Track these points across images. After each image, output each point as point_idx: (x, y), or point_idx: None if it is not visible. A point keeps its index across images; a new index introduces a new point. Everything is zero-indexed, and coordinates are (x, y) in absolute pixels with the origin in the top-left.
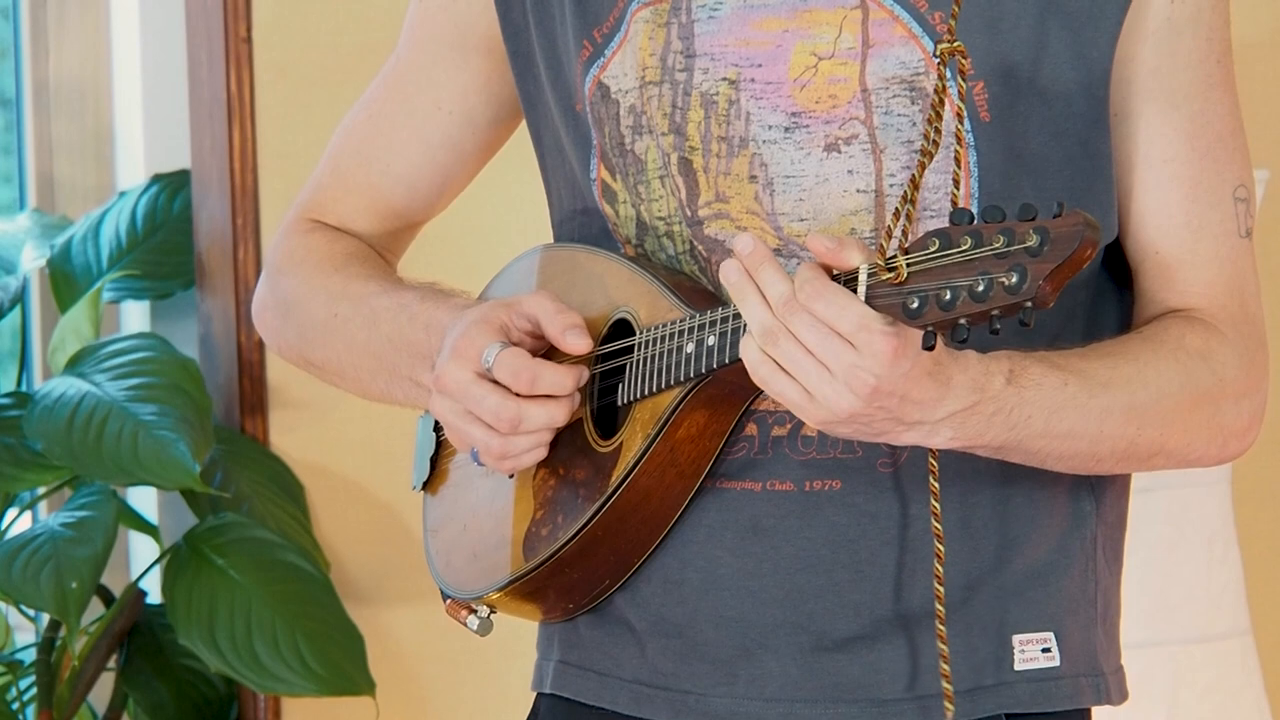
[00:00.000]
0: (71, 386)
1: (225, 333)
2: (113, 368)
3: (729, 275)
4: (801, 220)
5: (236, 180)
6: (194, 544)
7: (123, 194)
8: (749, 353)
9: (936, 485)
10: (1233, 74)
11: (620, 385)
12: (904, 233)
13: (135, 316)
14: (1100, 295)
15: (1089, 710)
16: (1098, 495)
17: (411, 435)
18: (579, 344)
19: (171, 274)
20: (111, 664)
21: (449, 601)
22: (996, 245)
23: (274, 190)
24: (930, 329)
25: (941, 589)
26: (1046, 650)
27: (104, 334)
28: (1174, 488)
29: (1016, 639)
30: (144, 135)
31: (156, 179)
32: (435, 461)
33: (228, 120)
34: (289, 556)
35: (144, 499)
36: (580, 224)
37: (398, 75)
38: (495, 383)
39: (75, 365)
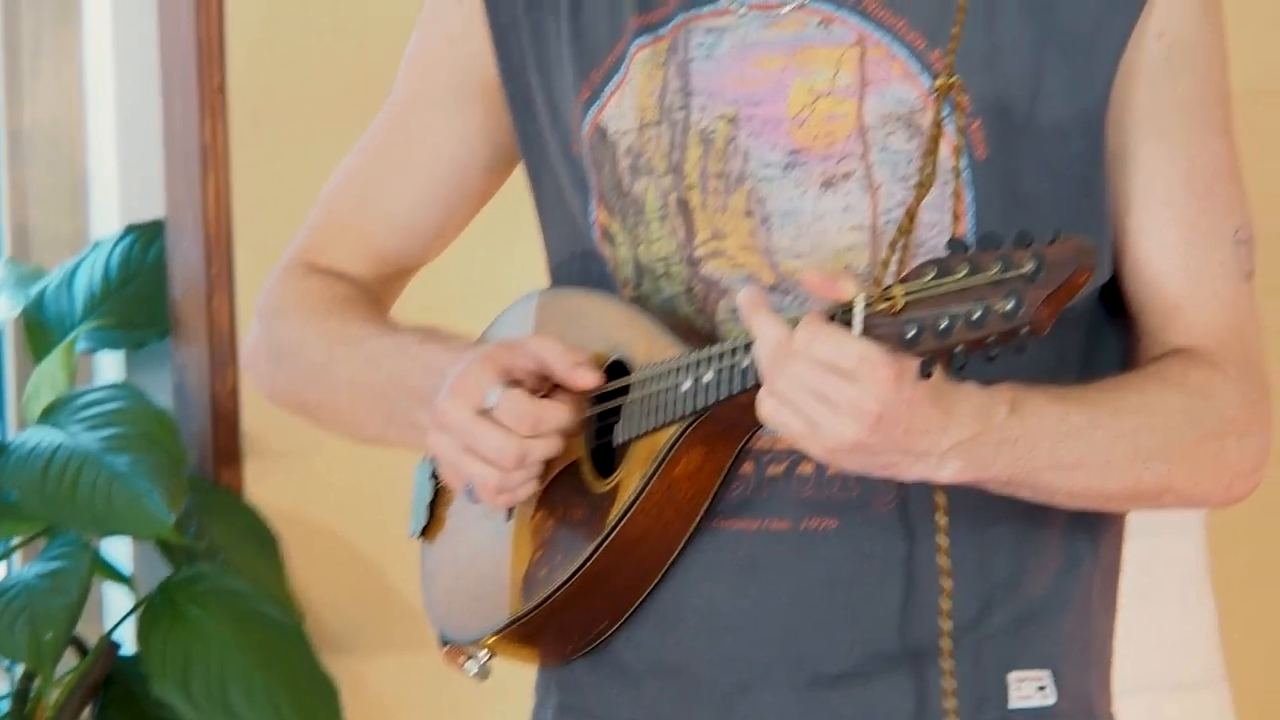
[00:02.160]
0: (46, 437)
1: (200, 382)
2: (87, 418)
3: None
4: (798, 256)
5: (211, 230)
6: (169, 595)
7: (97, 243)
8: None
9: (944, 521)
10: (1230, 116)
11: (617, 425)
12: (899, 264)
13: (110, 366)
14: (1096, 333)
15: None
16: (1094, 537)
17: (388, 484)
18: (587, 379)
19: (146, 324)
20: (86, 715)
21: (447, 647)
22: (992, 272)
23: (249, 240)
24: (927, 357)
25: (948, 625)
26: (1042, 689)
27: (78, 384)
28: (1147, 535)
29: (1012, 676)
30: (118, 184)
31: (131, 228)
32: (433, 508)
33: (202, 170)
34: (263, 607)
35: (118, 549)
36: (580, 267)
37: (394, 120)
38: (496, 421)
39: (50, 415)
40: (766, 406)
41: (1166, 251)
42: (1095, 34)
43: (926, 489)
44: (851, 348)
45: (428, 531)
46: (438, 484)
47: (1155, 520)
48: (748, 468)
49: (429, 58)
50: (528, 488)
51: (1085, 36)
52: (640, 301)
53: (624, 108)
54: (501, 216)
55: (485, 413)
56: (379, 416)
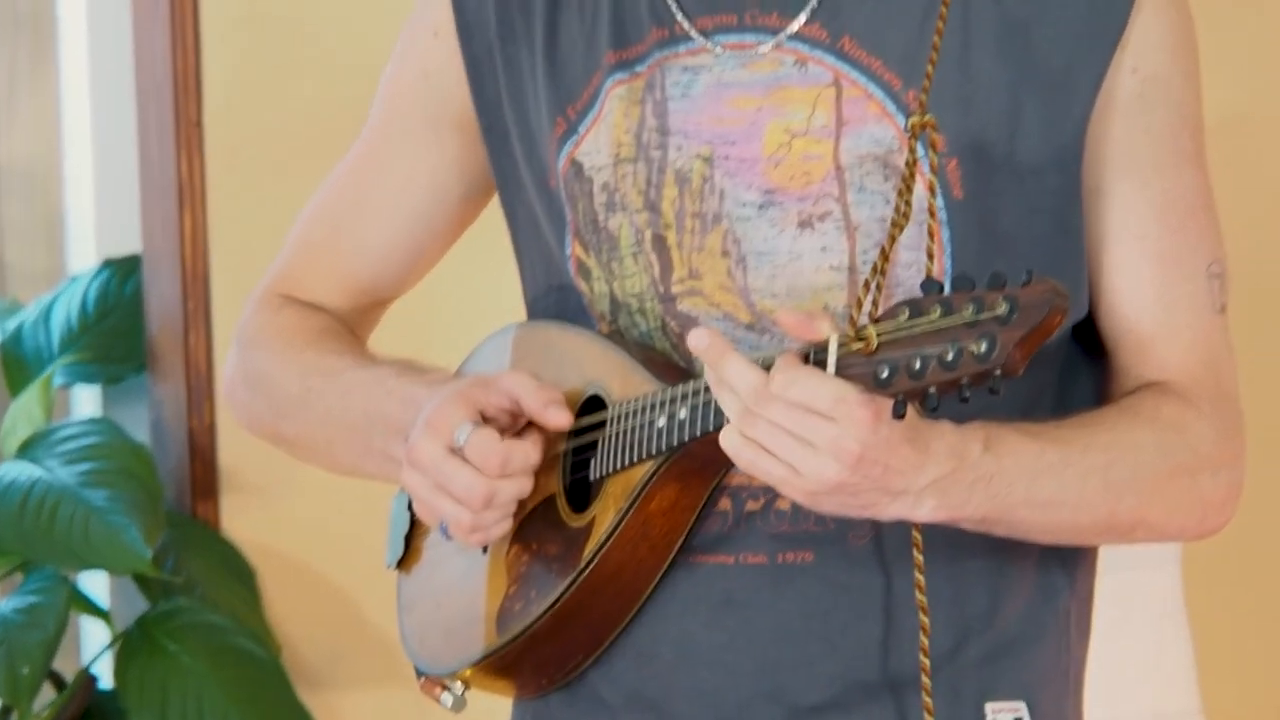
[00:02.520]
0: (23, 472)
1: (177, 417)
2: (64, 453)
3: (708, 371)
4: (774, 296)
5: (188, 264)
6: (146, 629)
7: (74, 278)
8: (729, 440)
9: (920, 557)
10: (1204, 149)
11: (593, 460)
12: (874, 304)
13: (87, 401)
14: (1070, 370)
15: None
16: (1069, 568)
17: (364, 519)
18: (560, 418)
19: (123, 358)
20: None
21: (423, 679)
22: (966, 314)
23: (225, 274)
24: (901, 398)
25: (928, 661)
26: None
27: (55, 419)
28: (1123, 569)
29: (989, 707)
30: (95, 219)
31: (108, 263)
32: (409, 540)
33: (179, 204)
34: (241, 641)
35: (96, 584)
36: (555, 300)
37: (369, 151)
38: (466, 459)
39: (26, 450)
40: (746, 454)
41: (1140, 286)
42: (1070, 71)
43: (901, 522)
44: (828, 389)
45: (404, 563)
46: (414, 516)
47: (1131, 554)
48: (725, 503)
49: (403, 90)
50: (501, 526)
51: (1060, 73)
52: (616, 335)
53: (600, 143)
54: (480, 247)
55: (456, 451)
56: (355, 449)
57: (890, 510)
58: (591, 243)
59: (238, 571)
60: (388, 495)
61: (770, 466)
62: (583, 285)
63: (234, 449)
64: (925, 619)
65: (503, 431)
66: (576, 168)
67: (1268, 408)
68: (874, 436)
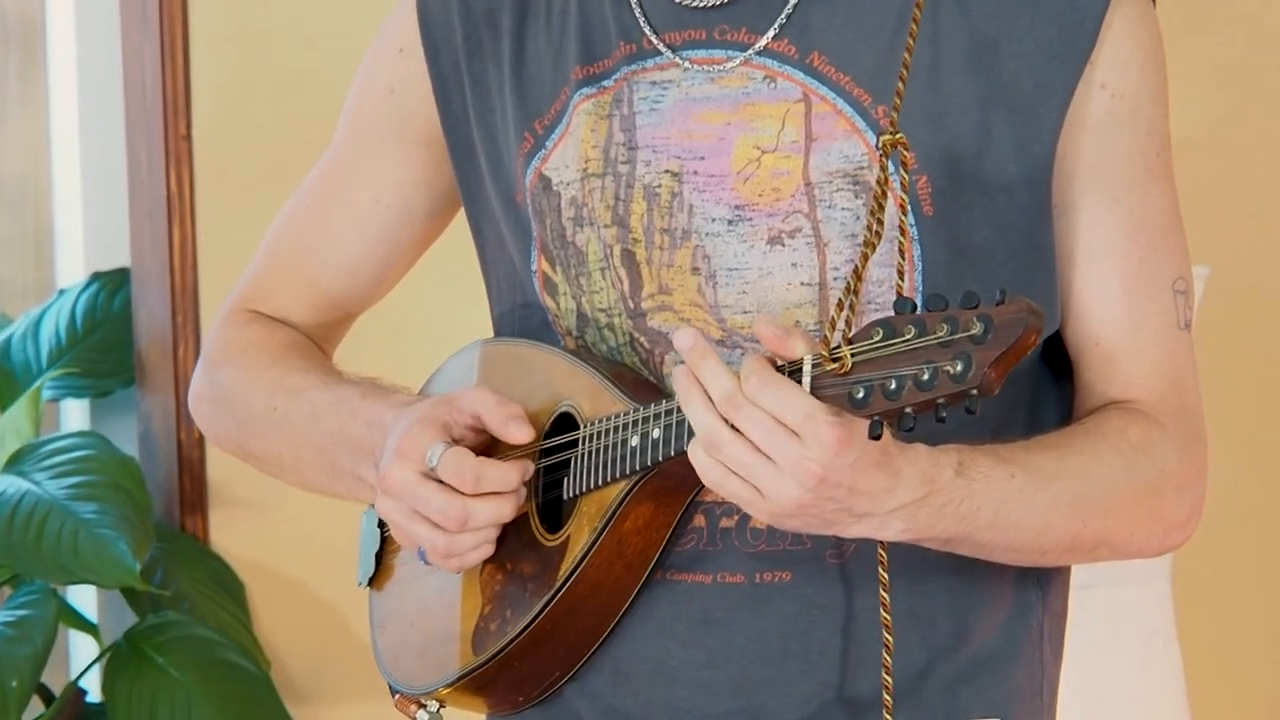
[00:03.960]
0: (11, 485)
1: (165, 430)
2: (53, 466)
3: (678, 381)
4: (745, 313)
5: (176, 278)
6: (134, 643)
7: (62, 292)
8: (697, 457)
9: (885, 576)
10: (1171, 167)
11: (565, 479)
12: (847, 324)
13: (75, 414)
14: (1041, 386)
15: None
16: (1043, 585)
17: (352, 533)
18: (521, 434)
19: (111, 372)
20: None
21: (397, 697)
22: (940, 334)
23: (214, 288)
24: (876, 419)
25: (890, 679)
26: None
27: (44, 432)
28: (1113, 585)
29: None
30: (84, 233)
31: (96, 277)
32: (380, 557)
33: (168, 218)
34: (229, 655)
35: (84, 597)
36: (521, 317)
37: (335, 166)
38: (440, 482)
39: (15, 464)
40: (713, 473)
41: (1108, 302)
42: (1040, 88)
43: (875, 541)
44: (799, 403)
45: (375, 580)
46: (384, 533)
47: (1121, 570)
48: (700, 520)
49: (369, 105)
50: (479, 552)
51: (1030, 91)
52: (584, 351)
53: (567, 158)
54: (448, 262)
55: (429, 474)
56: (324, 470)
57: (855, 529)
58: (559, 258)
59: (226, 585)
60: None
61: (736, 488)
62: (548, 301)
63: (223, 463)
64: (889, 637)
65: (474, 449)
66: (544, 182)
67: (1249, 425)
68: (838, 460)
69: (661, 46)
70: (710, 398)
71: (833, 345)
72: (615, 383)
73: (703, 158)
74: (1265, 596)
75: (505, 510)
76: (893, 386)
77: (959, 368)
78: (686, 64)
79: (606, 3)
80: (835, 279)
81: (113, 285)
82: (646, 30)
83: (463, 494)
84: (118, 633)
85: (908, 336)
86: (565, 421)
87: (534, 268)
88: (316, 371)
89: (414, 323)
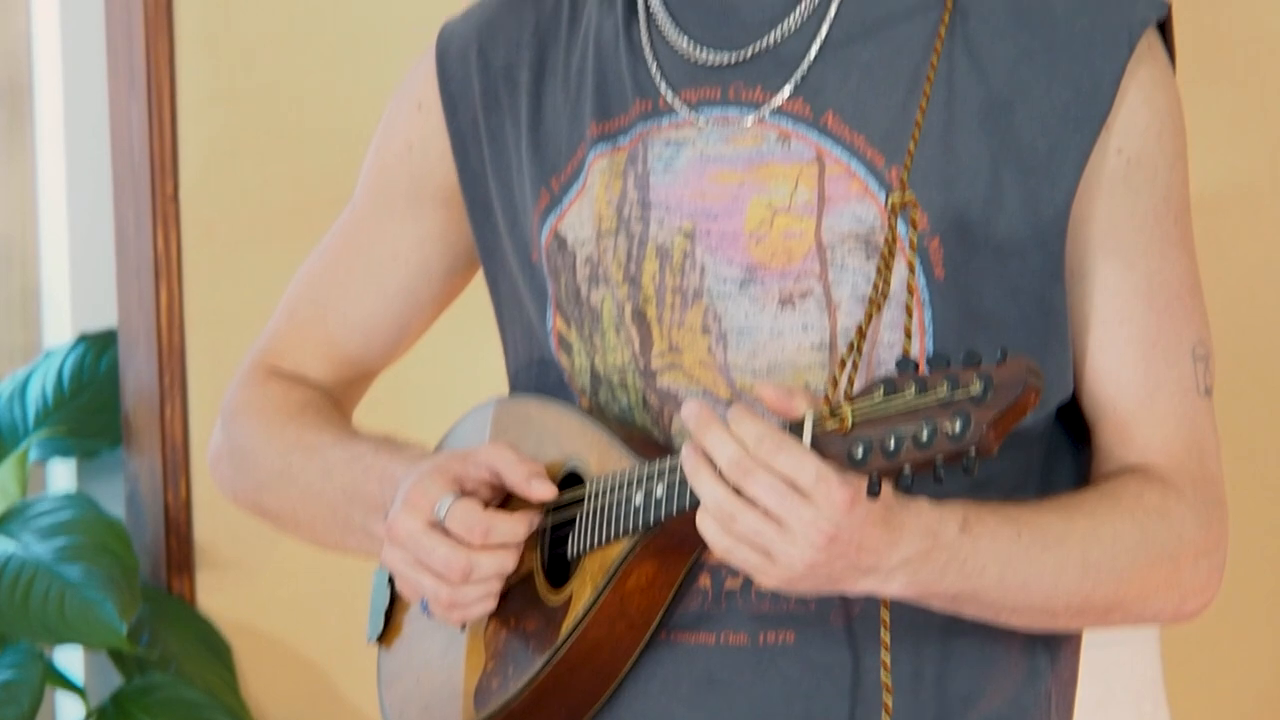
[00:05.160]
0: None
1: (152, 492)
2: (40, 527)
3: (685, 457)
4: (754, 374)
5: (164, 340)
6: (121, 705)
7: (49, 353)
8: (706, 527)
9: (887, 637)
10: (1190, 231)
11: (570, 536)
12: (850, 381)
13: (62, 475)
14: (1055, 452)
15: None
16: (1052, 651)
17: (339, 594)
18: (543, 490)
19: (98, 433)
20: None
21: None
22: (940, 393)
23: (201, 350)
24: (875, 477)
25: None
26: None
27: (31, 493)
28: (1102, 646)
29: None
30: (71, 294)
31: (83, 338)
32: (390, 615)
33: (155, 279)
34: (216, 717)
35: (71, 659)
36: (537, 374)
37: (354, 224)
38: (447, 533)
39: (2, 525)
40: (722, 542)
41: (1124, 368)
42: (1054, 151)
43: (879, 602)
44: (811, 465)
45: (384, 638)
46: (394, 591)
47: (1109, 631)
48: (705, 581)
49: (388, 162)
50: (482, 605)
51: (1044, 154)
52: (596, 411)
53: (583, 216)
54: (464, 319)
55: (436, 525)
56: (336, 525)
57: (861, 585)
58: (573, 316)
59: (214, 647)
60: (365, 572)
61: (746, 555)
62: (564, 359)
63: (210, 524)
64: (889, 699)
65: (485, 504)
66: (560, 240)
67: (1239, 490)
68: (849, 519)
69: (677, 104)
70: (718, 468)
71: (834, 402)
72: (623, 441)
73: (716, 217)
74: (1252, 658)
75: (509, 563)
76: (891, 445)
77: (958, 427)
78: (701, 122)
79: (623, 60)
80: (845, 342)
81: (99, 346)
82: (662, 88)
83: (469, 546)
84: (104, 695)
85: (908, 395)
86: (573, 479)
87: (549, 326)
88: (332, 429)
89: (431, 379)
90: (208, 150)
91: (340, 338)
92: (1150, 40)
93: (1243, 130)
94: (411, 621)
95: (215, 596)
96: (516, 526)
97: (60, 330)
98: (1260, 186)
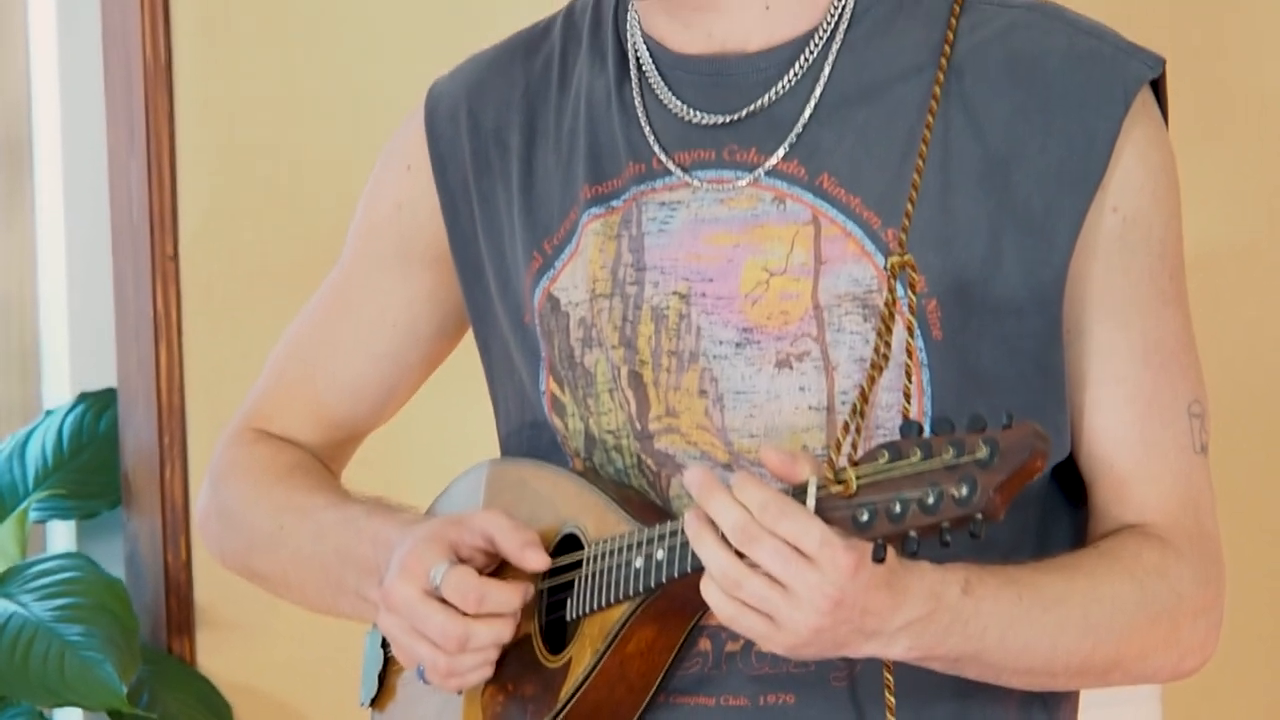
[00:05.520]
0: None
1: (152, 552)
2: (39, 588)
3: (689, 524)
4: (752, 436)
5: (163, 399)
6: None
7: (49, 412)
8: (711, 594)
9: (893, 700)
10: (1185, 290)
11: (569, 600)
12: (853, 446)
13: (61, 536)
14: (1051, 512)
15: None
16: (1050, 710)
17: (339, 655)
18: (537, 560)
19: (98, 493)
20: None
21: None
22: (946, 457)
23: (201, 409)
24: (880, 542)
25: None
26: None
27: (30, 553)
28: (1104, 705)
29: None
30: (70, 353)
31: (83, 397)
32: (383, 677)
33: (154, 339)
34: None
35: None
36: (529, 437)
37: (343, 285)
38: (443, 601)
39: (1, 585)
40: (727, 609)
41: (1121, 427)
42: (1051, 211)
43: (880, 662)
44: (814, 530)
45: (378, 701)
46: (387, 653)
47: (1110, 690)
48: (705, 644)
49: (376, 222)
50: (479, 673)
51: (1041, 214)
52: (591, 473)
53: (576, 278)
54: (453, 381)
55: (431, 592)
56: (328, 588)
57: (864, 648)
58: (567, 378)
59: (214, 708)
60: (364, 633)
61: (752, 622)
62: (557, 422)
63: (210, 584)
64: None
65: (480, 571)
66: (553, 302)
67: (1236, 547)
68: (853, 583)
69: (671, 166)
70: (722, 533)
71: (838, 467)
72: (621, 505)
73: (711, 279)
74: (1253, 712)
75: (506, 632)
76: (897, 509)
77: (964, 491)
78: (696, 183)
79: (616, 121)
80: (843, 403)
81: (99, 406)
82: (656, 149)
83: (465, 614)
84: None
85: (913, 459)
86: (570, 542)
87: (542, 388)
88: (322, 490)
89: (420, 442)
90: (207, 210)
91: (327, 400)
92: (1145, 98)
93: (1241, 187)
94: (405, 685)
95: (215, 657)
96: (511, 596)
97: (60, 389)
98: (1259, 244)
